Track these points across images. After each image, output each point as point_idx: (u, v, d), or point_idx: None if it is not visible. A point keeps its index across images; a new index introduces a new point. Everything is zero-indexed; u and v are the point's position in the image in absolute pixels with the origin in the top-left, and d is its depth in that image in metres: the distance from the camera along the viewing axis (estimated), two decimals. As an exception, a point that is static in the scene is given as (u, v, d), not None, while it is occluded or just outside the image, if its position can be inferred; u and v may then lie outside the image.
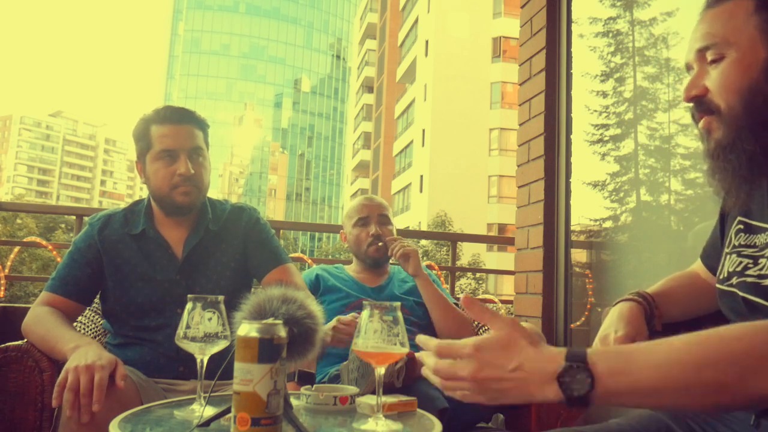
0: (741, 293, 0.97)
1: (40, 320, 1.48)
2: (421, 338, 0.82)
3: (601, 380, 0.70)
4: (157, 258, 1.62)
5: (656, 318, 1.14)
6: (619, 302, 1.15)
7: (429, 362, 0.78)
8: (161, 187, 1.60)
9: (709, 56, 0.95)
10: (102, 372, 1.20)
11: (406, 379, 1.46)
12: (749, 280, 0.96)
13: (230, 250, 1.69)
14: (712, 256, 1.17)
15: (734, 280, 0.99)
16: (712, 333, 0.70)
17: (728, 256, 1.03)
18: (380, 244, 2.09)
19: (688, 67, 1.00)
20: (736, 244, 1.02)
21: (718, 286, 1.05)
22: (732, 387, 0.67)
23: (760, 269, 0.94)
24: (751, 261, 0.97)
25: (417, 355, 0.85)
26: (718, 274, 1.06)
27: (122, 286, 1.60)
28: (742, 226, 1.02)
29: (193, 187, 1.60)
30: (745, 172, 0.92)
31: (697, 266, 1.24)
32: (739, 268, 0.98)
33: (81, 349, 1.28)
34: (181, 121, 1.60)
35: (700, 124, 0.97)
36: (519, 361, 0.73)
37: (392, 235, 2.15)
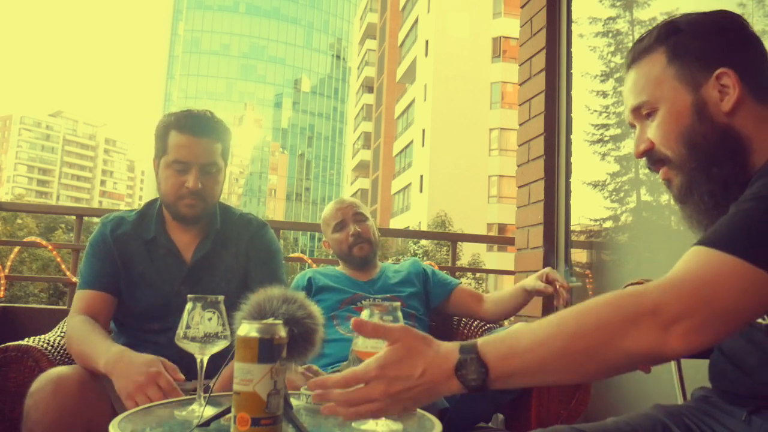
0: None
1: (75, 334, 1.46)
2: (317, 381, 0.82)
3: (493, 368, 0.75)
4: (165, 263, 1.63)
5: None
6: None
7: (335, 396, 0.79)
8: (168, 195, 1.60)
9: (644, 112, 1.01)
10: (161, 379, 1.22)
11: None
12: None
13: (235, 261, 1.68)
14: None
15: None
16: (584, 305, 0.75)
17: None
18: (363, 243, 2.09)
19: (631, 125, 1.06)
20: None
21: None
22: (602, 352, 0.72)
23: None
24: None
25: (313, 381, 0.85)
26: None
27: (129, 290, 1.61)
28: None
29: (199, 201, 1.59)
30: (710, 208, 0.96)
31: None
32: None
33: (116, 366, 1.27)
34: (200, 133, 1.58)
35: (660, 175, 1.03)
36: (423, 367, 0.77)
37: (371, 230, 2.15)
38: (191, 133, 1.57)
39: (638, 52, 1.02)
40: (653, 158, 1.02)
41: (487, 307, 2.09)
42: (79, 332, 1.46)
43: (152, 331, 1.59)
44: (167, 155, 1.58)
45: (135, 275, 1.61)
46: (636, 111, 1.02)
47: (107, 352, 1.33)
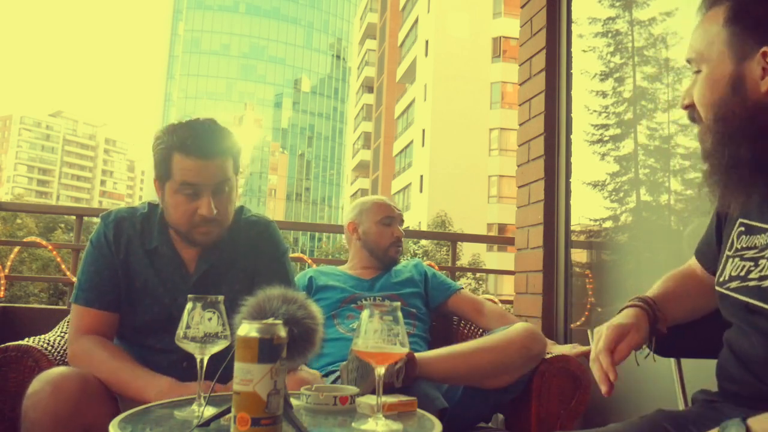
0: (743, 298, 0.97)
1: (97, 356, 1.39)
2: None
3: None
4: (169, 274, 1.53)
5: (660, 321, 1.12)
6: (623, 309, 1.14)
7: None
8: (179, 224, 1.47)
9: (693, 68, 1.00)
10: None
11: (406, 380, 1.46)
12: (752, 284, 0.96)
13: (242, 270, 1.58)
14: (706, 254, 1.18)
15: (735, 284, 0.99)
16: None
17: (730, 260, 1.03)
18: (400, 247, 2.17)
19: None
20: (738, 247, 1.02)
21: (717, 288, 1.05)
22: None
23: (761, 271, 0.95)
24: (752, 263, 0.97)
25: None
26: (718, 276, 1.06)
27: (129, 301, 1.51)
28: (743, 228, 1.02)
29: (215, 226, 1.47)
30: (728, 178, 0.94)
31: (693, 263, 1.24)
32: (742, 273, 0.99)
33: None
34: (208, 155, 1.41)
35: (696, 130, 1.02)
36: None
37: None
38: (198, 156, 1.40)
39: (708, 1, 0.98)
40: (691, 114, 1.01)
41: (489, 324, 2.06)
42: (104, 355, 1.39)
43: (154, 350, 1.50)
44: (173, 179, 1.43)
45: (137, 285, 1.51)
46: (689, 63, 1.01)
47: (155, 383, 1.31)
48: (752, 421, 0.76)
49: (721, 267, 1.05)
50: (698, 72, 0.98)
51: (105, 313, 1.48)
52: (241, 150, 1.51)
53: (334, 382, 1.69)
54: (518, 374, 1.62)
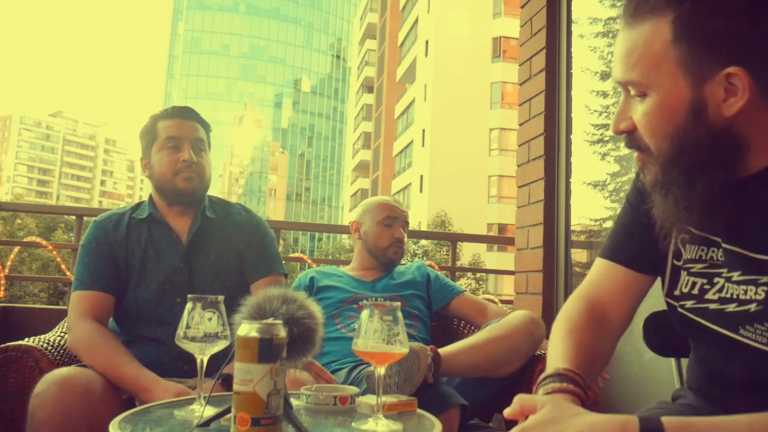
0: (706, 323, 0.90)
1: (98, 347, 1.47)
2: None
3: None
4: (161, 245, 1.67)
5: (590, 398, 0.91)
6: (543, 391, 0.88)
7: None
8: (165, 174, 1.67)
9: (632, 91, 0.85)
10: None
11: (435, 374, 1.48)
12: (712, 307, 0.89)
13: (230, 244, 1.72)
14: (638, 258, 1.02)
15: (690, 304, 0.92)
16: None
17: (683, 271, 0.94)
18: (399, 250, 2.14)
19: (619, 85, 0.89)
20: (687, 258, 0.94)
21: (669, 300, 0.97)
22: None
23: (719, 291, 0.88)
24: (705, 280, 0.90)
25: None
26: (668, 286, 0.97)
27: (128, 278, 1.63)
28: (686, 236, 0.93)
29: (195, 175, 1.67)
30: (705, 208, 0.83)
31: (601, 289, 1.08)
32: (695, 291, 0.91)
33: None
34: (186, 116, 1.72)
35: (635, 156, 0.90)
36: (580, 428, 0.72)
37: (406, 243, 2.19)
38: (178, 117, 1.71)
39: (642, 8, 0.82)
40: (632, 142, 0.88)
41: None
42: (105, 345, 1.47)
43: (152, 323, 1.60)
44: (158, 139, 1.69)
45: (135, 261, 1.64)
46: (623, 85, 0.86)
47: (161, 384, 1.37)
48: None
49: (669, 277, 0.96)
50: (642, 96, 0.84)
51: (102, 295, 1.58)
52: (211, 131, 1.79)
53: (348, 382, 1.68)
54: (524, 359, 1.64)
